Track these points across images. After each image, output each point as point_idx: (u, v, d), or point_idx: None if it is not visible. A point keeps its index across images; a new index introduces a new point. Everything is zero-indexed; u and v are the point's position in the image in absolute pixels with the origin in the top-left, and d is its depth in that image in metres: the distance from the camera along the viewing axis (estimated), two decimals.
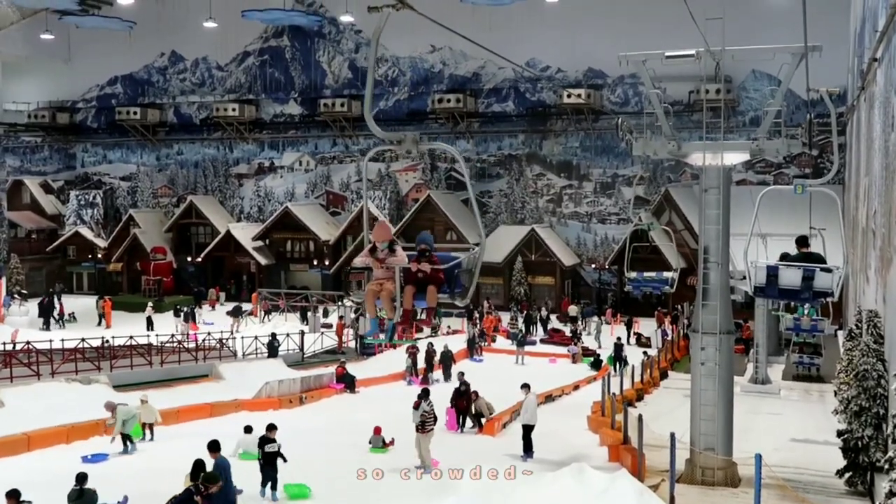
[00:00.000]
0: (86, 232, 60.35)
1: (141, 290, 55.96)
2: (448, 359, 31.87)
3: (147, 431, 20.76)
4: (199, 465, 13.28)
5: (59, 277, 60.12)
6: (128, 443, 19.58)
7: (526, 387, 20.06)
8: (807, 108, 39.31)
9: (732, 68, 45.56)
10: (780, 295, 14.68)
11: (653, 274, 26.87)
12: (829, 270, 13.79)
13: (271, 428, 15.92)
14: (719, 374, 16.45)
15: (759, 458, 13.08)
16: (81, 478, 14.06)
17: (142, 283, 56.47)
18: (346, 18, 55.07)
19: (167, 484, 15.83)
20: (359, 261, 10.04)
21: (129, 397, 23.93)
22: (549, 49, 52.23)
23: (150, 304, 48.27)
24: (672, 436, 15.22)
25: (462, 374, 25.50)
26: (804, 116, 41.28)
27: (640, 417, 16.95)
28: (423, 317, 10.03)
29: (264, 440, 15.62)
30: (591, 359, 36.27)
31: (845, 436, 15.96)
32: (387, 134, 8.73)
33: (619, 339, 35.39)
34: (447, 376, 30.99)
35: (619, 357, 33.46)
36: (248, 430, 18.94)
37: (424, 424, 17.42)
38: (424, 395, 18.26)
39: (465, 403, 22.59)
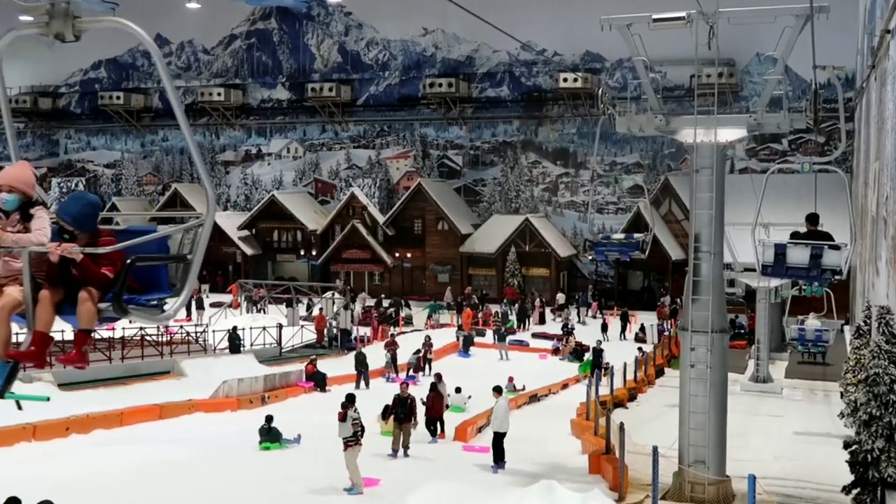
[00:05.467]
0: None
1: None
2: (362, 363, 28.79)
3: None
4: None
5: None
6: None
7: (497, 390, 18.17)
8: (811, 87, 37.29)
9: (735, 50, 43.46)
10: (788, 273, 14.35)
11: (621, 236, 23.89)
12: (837, 248, 13.55)
13: None
14: (711, 377, 14.64)
15: (752, 480, 11.25)
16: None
17: None
18: None
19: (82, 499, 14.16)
20: None
21: (74, 396, 22.21)
22: (545, 32, 50.04)
23: None
24: (655, 449, 13.38)
25: (439, 375, 23.74)
26: (809, 100, 39.25)
27: (621, 426, 15.09)
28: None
29: None
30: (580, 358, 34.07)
31: (853, 447, 14.11)
32: (26, 3, 4.78)
33: (599, 342, 32.33)
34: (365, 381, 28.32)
35: (598, 364, 29.50)
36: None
37: (356, 436, 15.17)
38: (350, 401, 15.74)
39: (437, 407, 20.38)
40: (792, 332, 29.81)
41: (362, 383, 27.76)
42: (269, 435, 18.92)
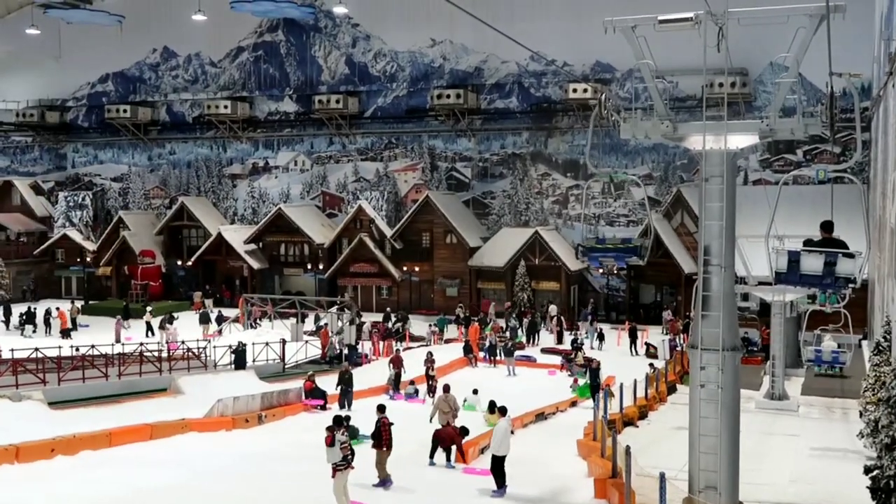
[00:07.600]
0: (74, 234, 58.21)
1: (128, 295, 53.61)
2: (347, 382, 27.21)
3: None
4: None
5: (48, 282, 58.13)
6: None
7: (501, 411, 17.27)
8: (827, 91, 36.38)
9: (747, 60, 42.74)
10: (801, 281, 13.85)
11: (617, 241, 21.81)
12: (851, 256, 13.27)
13: None
14: (723, 398, 13.70)
15: None
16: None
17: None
18: (339, 10, 52.67)
19: None
20: None
21: (64, 415, 21.54)
22: (554, 42, 49.04)
23: (148, 309, 46.23)
24: (662, 476, 12.53)
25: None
26: (825, 104, 38.31)
27: (627, 449, 14.23)
28: None
29: None
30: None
31: (874, 473, 13.23)
32: None
33: (598, 362, 30.12)
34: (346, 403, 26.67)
35: (596, 385, 27.94)
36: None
37: (346, 460, 14.20)
38: (337, 424, 14.80)
39: (451, 433, 19.00)
40: (808, 354, 29.01)
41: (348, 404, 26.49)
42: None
